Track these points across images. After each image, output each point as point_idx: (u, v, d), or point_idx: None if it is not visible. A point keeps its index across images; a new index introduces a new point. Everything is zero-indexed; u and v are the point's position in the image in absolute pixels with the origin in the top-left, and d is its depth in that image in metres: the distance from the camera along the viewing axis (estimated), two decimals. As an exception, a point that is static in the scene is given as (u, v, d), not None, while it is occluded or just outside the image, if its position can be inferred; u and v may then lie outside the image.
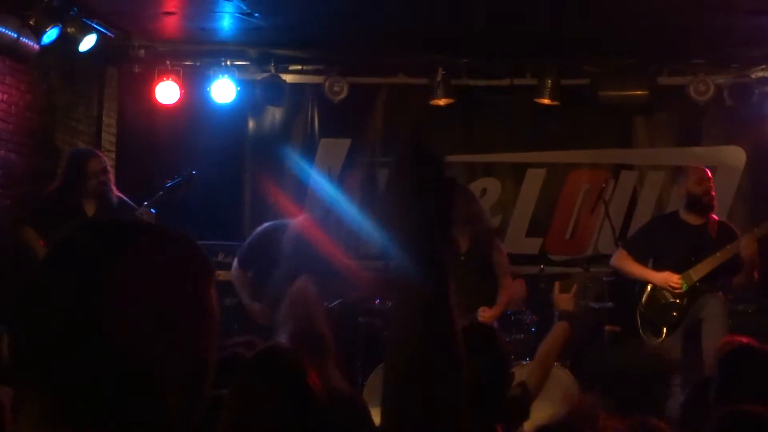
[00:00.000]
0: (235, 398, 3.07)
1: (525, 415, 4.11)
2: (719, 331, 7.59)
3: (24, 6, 7.75)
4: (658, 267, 7.98)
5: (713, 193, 7.98)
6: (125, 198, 8.07)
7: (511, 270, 8.37)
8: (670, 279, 7.85)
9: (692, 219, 7.99)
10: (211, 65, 9.92)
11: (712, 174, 8.16)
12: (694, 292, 7.83)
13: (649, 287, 7.99)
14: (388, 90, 10.37)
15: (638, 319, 8.04)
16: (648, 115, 10.24)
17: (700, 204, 7.95)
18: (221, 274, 8.66)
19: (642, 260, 8.06)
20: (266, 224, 8.42)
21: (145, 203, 7.85)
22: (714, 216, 8.07)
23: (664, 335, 7.87)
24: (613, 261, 8.28)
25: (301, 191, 9.76)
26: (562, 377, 7.81)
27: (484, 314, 7.81)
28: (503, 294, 8.10)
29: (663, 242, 8.02)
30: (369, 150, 10.45)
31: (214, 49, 9.84)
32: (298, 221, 8.27)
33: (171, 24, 9.24)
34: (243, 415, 3.00)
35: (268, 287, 8.24)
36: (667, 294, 7.88)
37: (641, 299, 8.02)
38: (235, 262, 8.40)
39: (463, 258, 8.16)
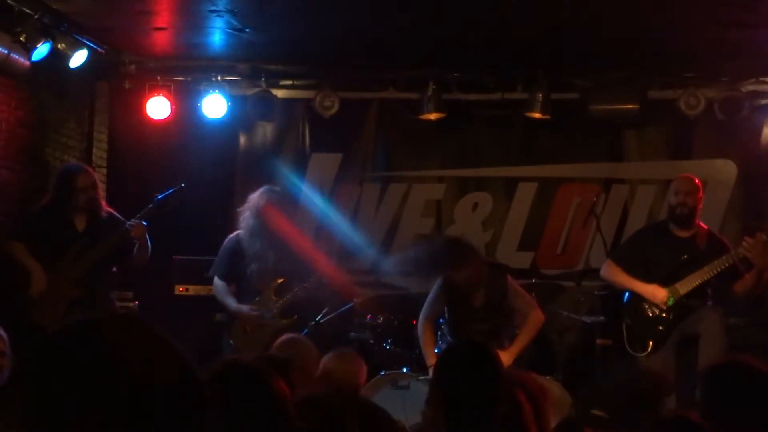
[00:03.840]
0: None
1: None
2: (717, 348, 7.53)
3: (14, 22, 7.73)
4: (647, 279, 7.94)
5: (690, 204, 7.92)
6: (115, 213, 8.09)
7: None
8: (657, 293, 7.82)
9: (680, 231, 7.98)
10: (202, 81, 9.91)
11: (702, 187, 8.15)
12: (681, 306, 7.81)
13: (635, 301, 7.95)
14: (379, 104, 10.37)
15: (624, 332, 7.99)
16: (639, 129, 10.25)
17: (674, 215, 7.95)
18: (212, 289, 8.70)
19: (630, 270, 8.00)
20: (230, 236, 8.52)
21: (137, 216, 7.87)
22: (704, 226, 8.06)
23: (650, 349, 7.83)
24: (602, 272, 8.26)
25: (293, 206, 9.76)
26: (553, 391, 7.79)
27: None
28: (524, 334, 7.74)
29: (651, 254, 7.99)
30: (360, 164, 10.45)
31: (205, 64, 9.84)
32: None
33: (162, 39, 9.24)
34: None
35: (247, 285, 8.32)
36: (653, 307, 7.85)
37: (628, 312, 7.98)
38: (215, 279, 8.46)
39: (477, 312, 7.85)
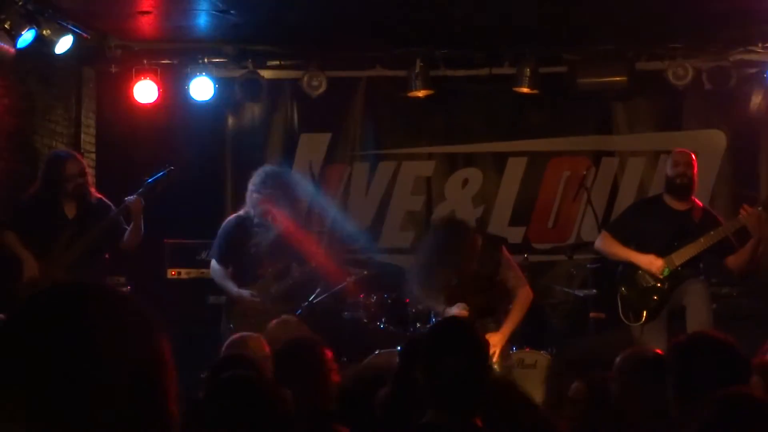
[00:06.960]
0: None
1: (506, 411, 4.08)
2: (703, 317, 7.57)
3: (-3, 10, 7.70)
4: (642, 251, 7.94)
5: (689, 175, 7.93)
6: (104, 198, 8.07)
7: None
8: (654, 263, 7.82)
9: (676, 204, 7.98)
10: (188, 63, 9.88)
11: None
12: (676, 277, 7.81)
13: (630, 271, 7.96)
14: (367, 83, 10.35)
15: (619, 303, 7.99)
16: (627, 101, 10.24)
17: (673, 186, 7.95)
18: (204, 272, 8.68)
19: (625, 243, 8.00)
20: (229, 218, 8.47)
21: (128, 197, 7.84)
22: (698, 202, 8.07)
23: (644, 319, 7.82)
24: (597, 244, 8.26)
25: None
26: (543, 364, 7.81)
27: (492, 341, 7.22)
28: (515, 313, 7.50)
29: (646, 226, 7.99)
30: (349, 143, 10.45)
31: (191, 47, 9.81)
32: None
33: (147, 23, 9.20)
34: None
35: (246, 268, 8.27)
36: (648, 277, 7.85)
37: (622, 282, 7.99)
38: (213, 262, 8.40)
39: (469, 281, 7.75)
